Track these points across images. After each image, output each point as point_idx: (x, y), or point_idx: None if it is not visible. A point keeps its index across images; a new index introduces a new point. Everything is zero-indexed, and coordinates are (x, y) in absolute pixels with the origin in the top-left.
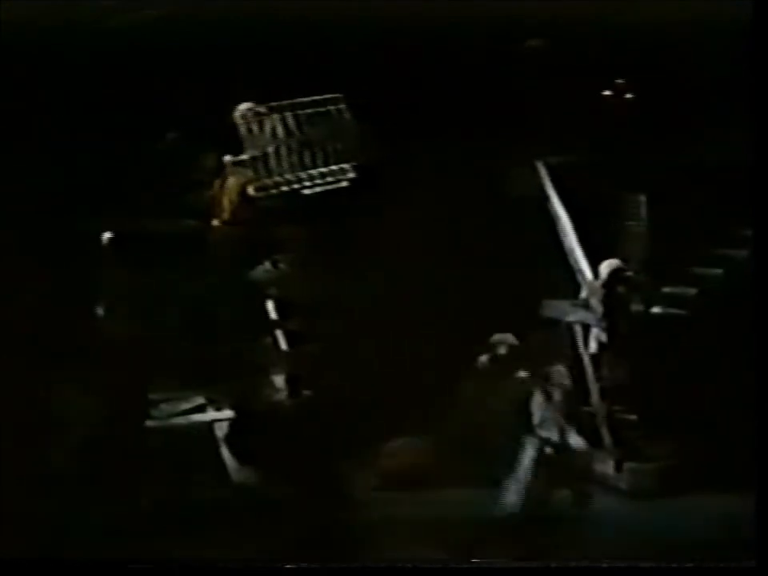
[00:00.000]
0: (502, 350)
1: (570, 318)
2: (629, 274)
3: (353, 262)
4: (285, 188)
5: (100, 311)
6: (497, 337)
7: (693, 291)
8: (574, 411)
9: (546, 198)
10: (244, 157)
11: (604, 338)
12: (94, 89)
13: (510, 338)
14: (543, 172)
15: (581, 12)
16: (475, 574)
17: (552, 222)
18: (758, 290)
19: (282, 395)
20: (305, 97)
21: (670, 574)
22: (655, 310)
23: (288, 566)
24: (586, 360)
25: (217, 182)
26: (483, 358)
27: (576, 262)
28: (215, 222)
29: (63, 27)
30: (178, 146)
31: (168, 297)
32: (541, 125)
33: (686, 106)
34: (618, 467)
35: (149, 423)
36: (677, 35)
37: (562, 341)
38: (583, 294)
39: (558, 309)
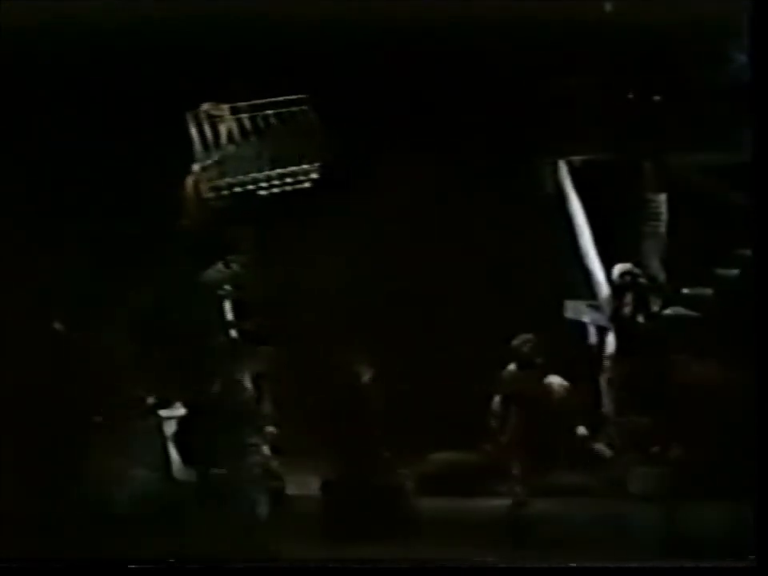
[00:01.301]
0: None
1: (585, 319)
2: (642, 280)
3: (315, 263)
4: (238, 189)
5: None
6: (521, 338)
7: (709, 292)
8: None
9: (561, 199)
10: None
11: (615, 339)
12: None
13: (532, 338)
14: (564, 171)
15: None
16: (476, 574)
17: (570, 221)
18: (759, 291)
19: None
20: (273, 97)
21: (671, 574)
22: (668, 311)
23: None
24: (598, 360)
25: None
26: (512, 366)
27: (591, 263)
28: (182, 222)
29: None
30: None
31: (123, 296)
32: (536, 125)
33: (702, 106)
34: (626, 468)
35: (97, 419)
36: (688, 36)
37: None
38: (601, 295)
39: (576, 310)
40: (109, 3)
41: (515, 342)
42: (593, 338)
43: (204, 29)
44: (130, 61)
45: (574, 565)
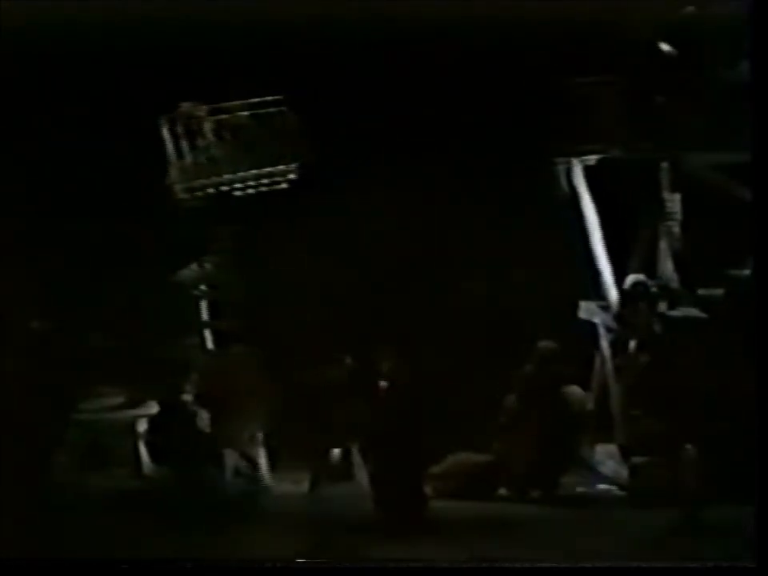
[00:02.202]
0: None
1: (596, 320)
2: (654, 290)
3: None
4: (212, 190)
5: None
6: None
7: (720, 292)
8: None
9: (575, 198)
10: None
11: (625, 342)
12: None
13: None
14: (578, 171)
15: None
16: (476, 574)
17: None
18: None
19: None
20: (252, 98)
21: (671, 574)
22: (679, 313)
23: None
24: (608, 361)
25: None
26: (529, 368)
27: (601, 263)
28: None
29: None
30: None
31: (101, 296)
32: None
33: (717, 105)
34: (632, 468)
35: (75, 416)
36: (692, 36)
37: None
38: (610, 296)
39: (589, 310)
40: (105, 5)
41: (540, 345)
42: (603, 339)
43: (184, 31)
44: (111, 63)
45: (574, 565)
